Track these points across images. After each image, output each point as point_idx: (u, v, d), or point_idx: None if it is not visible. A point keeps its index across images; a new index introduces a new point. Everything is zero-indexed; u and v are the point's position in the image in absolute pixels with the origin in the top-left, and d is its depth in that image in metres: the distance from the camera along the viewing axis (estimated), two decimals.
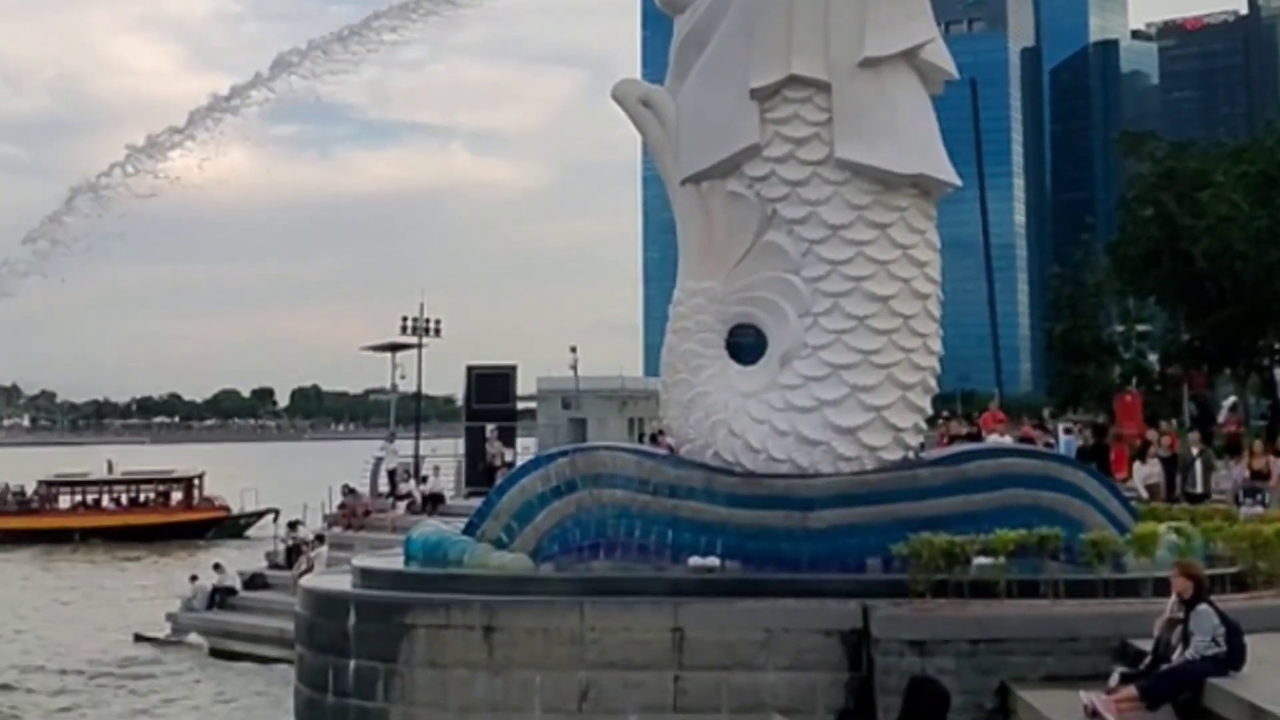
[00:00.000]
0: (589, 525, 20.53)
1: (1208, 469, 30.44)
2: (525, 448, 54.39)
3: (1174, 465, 30.95)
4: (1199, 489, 29.77)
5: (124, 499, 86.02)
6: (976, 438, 34.75)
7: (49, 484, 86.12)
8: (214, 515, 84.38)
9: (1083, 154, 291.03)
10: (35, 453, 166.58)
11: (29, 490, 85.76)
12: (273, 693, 32.97)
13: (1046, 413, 63.70)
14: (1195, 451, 30.75)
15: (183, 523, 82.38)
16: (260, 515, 77.86)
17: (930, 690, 11.55)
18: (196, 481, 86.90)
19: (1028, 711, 16.04)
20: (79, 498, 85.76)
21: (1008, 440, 32.72)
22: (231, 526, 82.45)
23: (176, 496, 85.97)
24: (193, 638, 41.57)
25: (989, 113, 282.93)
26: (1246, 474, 29.33)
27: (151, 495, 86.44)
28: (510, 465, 42.40)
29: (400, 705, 18.48)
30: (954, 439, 34.69)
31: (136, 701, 34.01)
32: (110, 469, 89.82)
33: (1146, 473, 30.54)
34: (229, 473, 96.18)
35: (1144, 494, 28.98)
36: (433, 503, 47.25)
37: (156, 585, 56.02)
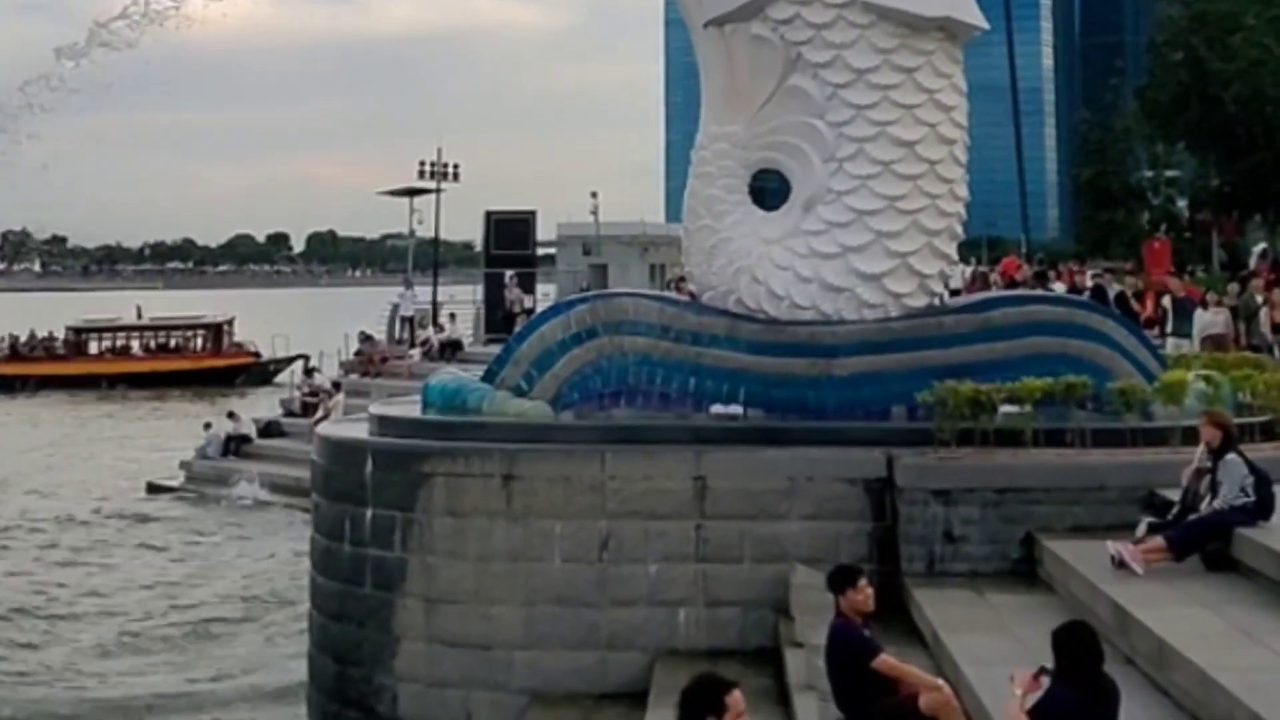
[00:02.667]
0: (610, 373, 20.21)
1: None
2: (545, 294, 54.44)
3: (1236, 313, 29.05)
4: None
5: (154, 345, 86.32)
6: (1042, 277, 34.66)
7: (78, 330, 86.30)
8: (244, 361, 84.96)
9: None
10: (46, 298, 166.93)
11: (58, 336, 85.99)
12: (289, 541, 33.14)
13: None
14: (1260, 300, 29.17)
15: (212, 368, 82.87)
16: (290, 361, 77.94)
17: (1081, 633, 10.58)
18: (226, 327, 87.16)
19: (1054, 561, 15.96)
20: (108, 343, 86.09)
21: (1060, 288, 32.18)
22: (261, 372, 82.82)
23: (206, 342, 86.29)
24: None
25: None
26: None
27: (181, 341, 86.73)
28: (530, 312, 42.32)
29: (418, 555, 18.35)
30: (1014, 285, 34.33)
31: (145, 547, 34.25)
32: (139, 315, 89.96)
33: (1208, 320, 28.43)
34: (246, 319, 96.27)
35: (1196, 346, 27.55)
36: (450, 349, 47.21)
37: (180, 432, 56.21)
